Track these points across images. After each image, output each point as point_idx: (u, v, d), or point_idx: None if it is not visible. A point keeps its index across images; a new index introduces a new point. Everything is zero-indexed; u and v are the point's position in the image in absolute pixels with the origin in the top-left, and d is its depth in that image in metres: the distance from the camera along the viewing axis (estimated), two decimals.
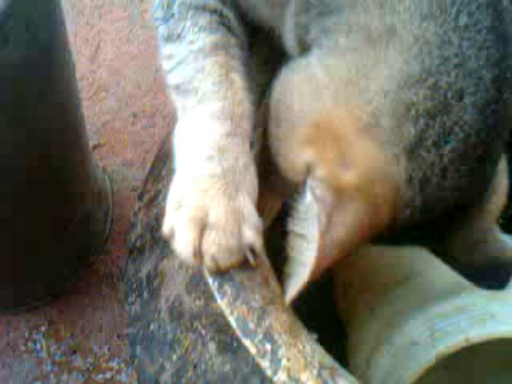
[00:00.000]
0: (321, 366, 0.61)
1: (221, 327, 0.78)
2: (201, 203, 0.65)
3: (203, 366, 0.81)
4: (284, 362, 0.60)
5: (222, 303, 0.64)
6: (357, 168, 0.59)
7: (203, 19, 0.74)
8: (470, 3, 0.59)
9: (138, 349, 0.95)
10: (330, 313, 1.05)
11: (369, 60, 0.60)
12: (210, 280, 0.65)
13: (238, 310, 0.63)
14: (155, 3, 0.77)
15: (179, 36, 0.74)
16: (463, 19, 0.58)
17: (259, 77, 0.82)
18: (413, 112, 0.58)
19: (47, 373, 1.37)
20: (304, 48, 0.71)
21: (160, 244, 0.94)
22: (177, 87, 0.73)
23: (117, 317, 1.40)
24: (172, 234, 0.66)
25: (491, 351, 0.90)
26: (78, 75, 1.62)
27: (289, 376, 0.59)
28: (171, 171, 0.72)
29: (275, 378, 0.60)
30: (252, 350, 0.61)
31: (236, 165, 0.67)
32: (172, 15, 0.75)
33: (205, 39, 0.73)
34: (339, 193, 0.59)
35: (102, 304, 1.41)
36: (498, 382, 0.93)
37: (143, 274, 0.96)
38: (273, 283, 0.67)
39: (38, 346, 1.40)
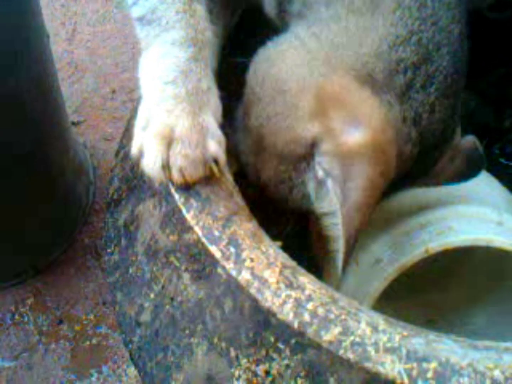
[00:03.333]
0: (284, 266, 0.64)
1: (194, 256, 0.81)
2: (167, 121, 0.68)
3: (179, 298, 0.84)
4: (247, 262, 0.63)
5: (188, 216, 0.67)
6: (367, 123, 0.66)
7: None
8: None
9: (119, 295, 0.98)
10: None
11: (357, 28, 0.69)
12: (176, 196, 0.68)
13: (204, 220, 0.66)
14: None
15: None
16: None
17: (222, 19, 0.86)
18: (402, 65, 0.68)
19: (34, 343, 1.39)
20: (283, 16, 0.76)
21: (135, 191, 0.97)
22: (141, 19, 0.75)
23: (102, 285, 1.42)
24: (141, 154, 0.69)
25: None
26: (55, 56, 1.65)
27: (252, 274, 0.62)
28: None
29: (240, 278, 0.62)
30: (217, 255, 0.64)
31: (199, 86, 0.70)
32: None
33: None
34: (347, 159, 0.65)
35: (87, 274, 1.43)
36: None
37: (120, 222, 0.99)
38: (238, 198, 0.70)
39: (26, 318, 1.42)
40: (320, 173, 0.67)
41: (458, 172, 0.80)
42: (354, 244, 0.67)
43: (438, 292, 1.05)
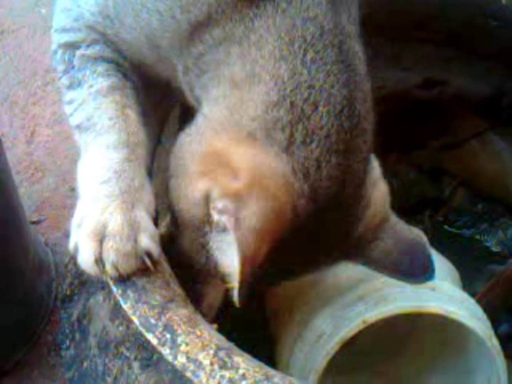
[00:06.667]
0: (218, 348, 0.66)
1: (142, 344, 0.83)
2: (101, 219, 0.72)
3: None
4: (183, 347, 0.65)
5: (125, 307, 0.69)
6: (242, 171, 0.70)
7: (101, 67, 0.84)
8: (316, 44, 0.74)
9: None
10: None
11: (237, 100, 0.74)
12: (114, 288, 0.71)
13: (140, 310, 0.69)
14: (56, 58, 0.87)
15: (79, 82, 0.83)
16: (309, 56, 0.73)
17: (156, 113, 0.91)
18: (279, 124, 0.71)
19: None
20: (197, 99, 0.81)
21: (87, 285, 0.99)
22: (79, 126, 0.81)
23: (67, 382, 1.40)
24: (76, 250, 0.72)
25: None
26: (15, 158, 1.71)
27: (188, 358, 0.65)
28: None
29: (175, 362, 0.65)
30: (154, 341, 0.66)
31: (132, 184, 0.75)
32: (73, 66, 0.84)
33: (102, 82, 0.83)
34: (237, 197, 0.68)
35: (51, 373, 1.41)
36: None
37: (74, 317, 1.01)
38: (174, 285, 0.73)
39: None
40: (216, 216, 0.69)
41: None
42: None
43: (393, 363, 1.07)
